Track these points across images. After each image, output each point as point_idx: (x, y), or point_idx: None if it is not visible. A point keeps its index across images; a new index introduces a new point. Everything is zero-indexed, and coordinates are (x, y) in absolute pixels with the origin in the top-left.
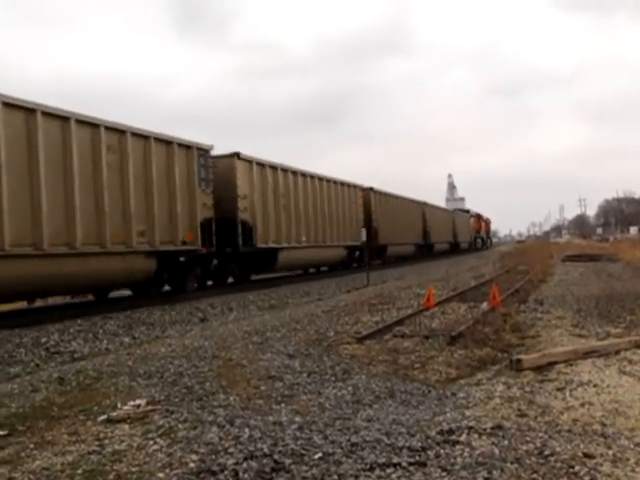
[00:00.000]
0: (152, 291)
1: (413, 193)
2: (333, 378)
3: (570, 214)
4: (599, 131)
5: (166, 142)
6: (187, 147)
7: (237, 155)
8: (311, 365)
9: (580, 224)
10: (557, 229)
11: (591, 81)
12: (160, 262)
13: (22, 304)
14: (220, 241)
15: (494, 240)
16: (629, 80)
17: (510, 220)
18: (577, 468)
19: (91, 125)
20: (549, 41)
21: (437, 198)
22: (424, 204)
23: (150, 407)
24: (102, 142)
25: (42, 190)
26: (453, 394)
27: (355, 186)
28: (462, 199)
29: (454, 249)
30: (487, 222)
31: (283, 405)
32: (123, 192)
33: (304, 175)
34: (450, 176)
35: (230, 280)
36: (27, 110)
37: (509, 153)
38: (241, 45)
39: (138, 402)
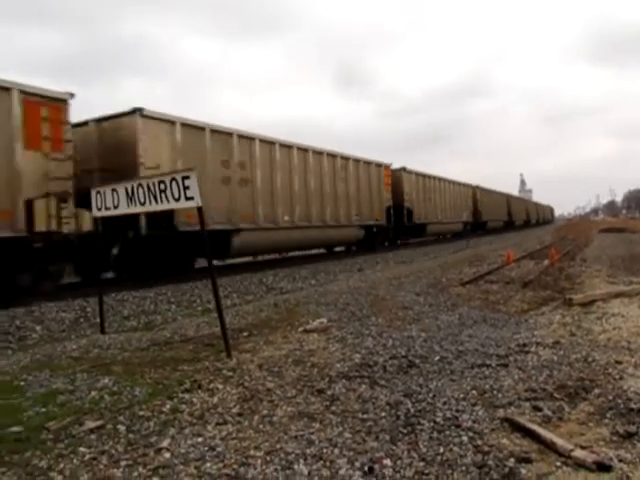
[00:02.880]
0: (359, 248)
1: (494, 186)
2: (445, 308)
3: (604, 200)
4: (624, 142)
5: (367, 163)
6: (378, 165)
7: (404, 169)
8: (431, 300)
9: (611, 207)
10: (595, 211)
11: (619, 109)
12: (365, 232)
13: (249, 259)
14: (394, 219)
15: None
16: None
17: (562, 204)
18: (610, 370)
19: (332, 156)
20: (581, 80)
21: (512, 190)
22: (509, 195)
23: (329, 324)
24: (337, 165)
25: (311, 197)
26: (526, 320)
27: (466, 185)
28: (530, 190)
29: (526, 224)
30: (552, 209)
31: (413, 325)
32: (347, 192)
33: (432, 178)
34: (521, 175)
35: (399, 242)
36: (286, 147)
37: (562, 157)
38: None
39: (322, 320)
